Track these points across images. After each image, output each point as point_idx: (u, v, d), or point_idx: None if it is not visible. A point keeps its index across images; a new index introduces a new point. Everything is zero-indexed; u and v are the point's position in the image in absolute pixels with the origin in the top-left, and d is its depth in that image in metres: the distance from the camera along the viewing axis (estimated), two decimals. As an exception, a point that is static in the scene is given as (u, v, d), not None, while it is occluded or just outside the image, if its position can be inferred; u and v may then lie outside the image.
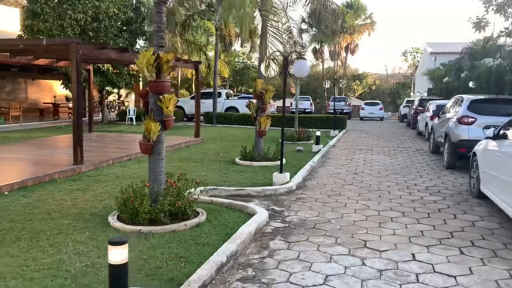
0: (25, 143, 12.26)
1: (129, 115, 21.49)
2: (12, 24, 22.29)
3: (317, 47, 46.73)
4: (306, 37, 17.90)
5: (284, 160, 10.02)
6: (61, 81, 21.14)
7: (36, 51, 11.03)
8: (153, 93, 5.19)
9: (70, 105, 25.43)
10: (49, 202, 6.10)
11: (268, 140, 14.81)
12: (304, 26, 16.69)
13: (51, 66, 16.23)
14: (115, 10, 20.11)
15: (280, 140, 13.43)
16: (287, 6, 10.58)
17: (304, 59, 7.25)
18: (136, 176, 8.04)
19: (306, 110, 30.65)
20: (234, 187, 7.25)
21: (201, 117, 23.17)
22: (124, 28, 20.95)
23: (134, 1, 21.18)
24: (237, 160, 10.02)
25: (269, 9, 8.77)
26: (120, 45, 20.02)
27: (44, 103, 24.31)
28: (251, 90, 39.69)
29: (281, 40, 8.55)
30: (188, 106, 23.93)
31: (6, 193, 6.52)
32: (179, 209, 5.17)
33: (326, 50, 43.93)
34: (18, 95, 24.11)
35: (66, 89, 21.27)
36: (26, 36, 18.82)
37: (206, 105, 22.57)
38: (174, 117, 5.36)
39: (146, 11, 21.75)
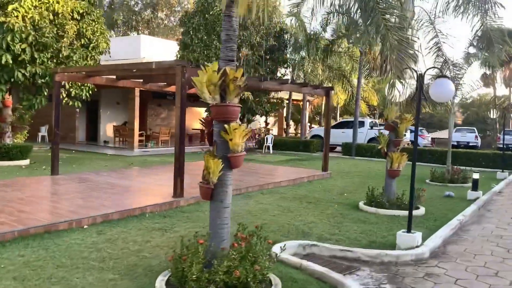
0: (153, 168, 12.39)
1: (266, 143, 21.02)
2: (172, 56, 24.24)
3: (488, 72, 40.74)
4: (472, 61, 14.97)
5: (423, 209, 7.84)
6: (205, 108, 21.85)
7: (159, 77, 11.05)
8: (217, 121, 3.97)
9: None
10: (116, 244, 5.31)
11: (408, 179, 12.38)
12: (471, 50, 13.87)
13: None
14: (257, 38, 20.12)
15: (427, 181, 10.99)
16: (434, 18, 8.48)
17: (447, 77, 5.20)
18: (236, 216, 6.92)
19: (470, 144, 26.22)
20: (341, 246, 5.51)
21: (339, 148, 21.57)
22: (268, 56, 20.78)
23: (278, 29, 20.91)
24: (360, 204, 8.15)
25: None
26: (262, 73, 19.87)
27: (192, 129, 25.66)
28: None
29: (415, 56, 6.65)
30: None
31: (85, 227, 6.02)
32: (238, 280, 3.76)
33: (498, 76, 38.04)
34: (172, 121, 25.95)
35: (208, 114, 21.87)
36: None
37: (348, 135, 20.78)
38: (244, 153, 4.02)
39: (289, 38, 21.31)
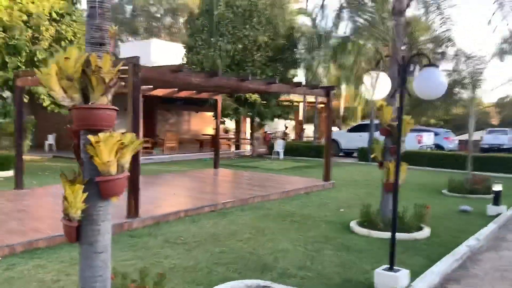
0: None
1: (275, 148, 19.78)
2: (179, 59, 23.44)
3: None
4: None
5: (427, 231, 6.45)
6: (213, 113, 20.86)
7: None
8: (82, 131, 2.83)
9: (229, 136, 25.44)
10: (20, 283, 4.27)
11: (423, 189, 10.93)
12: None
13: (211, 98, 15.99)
14: (264, 39, 18.97)
15: (444, 191, 9.70)
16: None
17: (435, 65, 3.90)
18: (193, 240, 5.79)
19: (503, 147, 24.08)
20: (301, 288, 4.27)
21: (355, 154, 20.05)
22: (278, 57, 19.56)
23: (287, 28, 19.69)
24: (352, 224, 6.84)
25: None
26: (270, 74, 18.71)
27: (203, 134, 24.74)
28: (432, 121, 34.16)
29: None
30: (344, 139, 21.03)
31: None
32: None
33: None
34: (181, 127, 25.14)
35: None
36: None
37: (364, 139, 19.26)
38: (124, 175, 2.85)
39: (299, 37, 20.03)
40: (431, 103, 21.34)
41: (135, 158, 6.22)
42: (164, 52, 24.49)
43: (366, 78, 4.36)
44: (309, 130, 30.26)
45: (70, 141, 2.95)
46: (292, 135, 30.83)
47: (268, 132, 28.68)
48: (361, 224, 6.73)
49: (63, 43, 11.30)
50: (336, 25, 17.64)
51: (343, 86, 25.69)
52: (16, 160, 9.08)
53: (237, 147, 23.51)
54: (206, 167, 14.17)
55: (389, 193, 6.72)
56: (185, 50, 20.07)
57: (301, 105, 25.84)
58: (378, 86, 4.34)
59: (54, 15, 11.07)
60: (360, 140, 19.65)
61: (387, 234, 6.23)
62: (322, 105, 28.85)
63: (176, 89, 11.42)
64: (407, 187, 11.39)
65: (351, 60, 19.43)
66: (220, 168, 13.58)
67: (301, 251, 5.57)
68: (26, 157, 17.92)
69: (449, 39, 7.26)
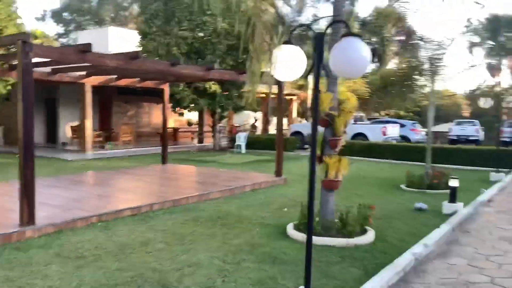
0: (74, 176, 10.25)
1: (238, 141, 18.84)
2: (133, 46, 22.17)
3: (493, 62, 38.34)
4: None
5: (371, 234, 5.65)
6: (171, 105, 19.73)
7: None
8: None
9: (190, 129, 24.34)
10: None
11: (381, 184, 10.22)
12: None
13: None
14: (223, 25, 17.92)
15: (403, 187, 9.20)
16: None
17: (357, 35, 3.00)
18: (94, 256, 4.81)
19: (470, 138, 23.82)
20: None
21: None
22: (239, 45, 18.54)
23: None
24: (288, 228, 5.98)
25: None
26: (231, 64, 17.72)
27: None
28: (402, 112, 33.74)
29: None
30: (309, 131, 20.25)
31: None
32: None
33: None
34: (141, 120, 23.92)
35: (174, 112, 19.79)
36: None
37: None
38: None
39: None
40: (397, 95, 20.73)
41: (26, 153, 5.22)
42: (123, 40, 23.17)
43: (276, 54, 3.47)
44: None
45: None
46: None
47: (236, 125, 27.73)
48: (298, 227, 5.88)
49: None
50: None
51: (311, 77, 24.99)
52: None
53: (200, 141, 22.48)
54: (155, 163, 13.13)
55: (329, 191, 5.90)
56: (140, 36, 18.83)
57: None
58: (288, 63, 3.44)
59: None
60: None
61: (325, 240, 5.45)
62: (293, 97, 28.07)
63: (114, 76, 10.34)
64: (365, 182, 10.67)
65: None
66: (169, 164, 12.57)
67: (216, 264, 4.67)
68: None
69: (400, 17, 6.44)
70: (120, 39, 24.06)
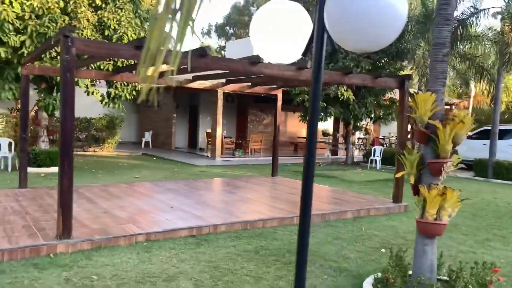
0: (177, 184, 9.92)
1: (373, 156, 16.71)
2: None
3: None
4: None
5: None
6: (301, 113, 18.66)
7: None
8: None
9: (325, 140, 22.86)
10: None
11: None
12: None
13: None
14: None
15: None
16: None
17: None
18: None
19: None
20: None
21: (468, 165, 15.80)
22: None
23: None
24: (366, 284, 4.25)
25: None
26: (367, 68, 15.85)
27: (298, 137, 22.69)
28: None
29: None
30: (463, 148, 16.85)
31: None
32: None
33: None
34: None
35: (304, 122, 18.61)
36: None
37: (484, 148, 15.06)
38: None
39: (408, 23, 16.54)
40: None
41: (63, 160, 4.71)
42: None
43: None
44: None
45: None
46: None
47: (380, 137, 25.24)
48: (376, 285, 4.11)
49: (106, 32, 10.49)
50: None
51: (473, 83, 21.15)
52: (21, 157, 8.30)
53: (334, 153, 20.90)
54: (269, 175, 12.17)
55: (427, 238, 3.98)
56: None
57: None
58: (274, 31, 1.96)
59: (97, 1, 10.35)
60: (484, 149, 15.41)
61: (410, 314, 3.61)
62: (447, 107, 24.30)
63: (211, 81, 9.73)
64: (483, 220, 7.78)
65: (474, 47, 15.41)
66: (279, 176, 11.46)
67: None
68: (112, 153, 18.27)
69: None
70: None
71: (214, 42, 54.72)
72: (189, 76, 9.60)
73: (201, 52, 5.67)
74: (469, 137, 17.17)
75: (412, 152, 4.00)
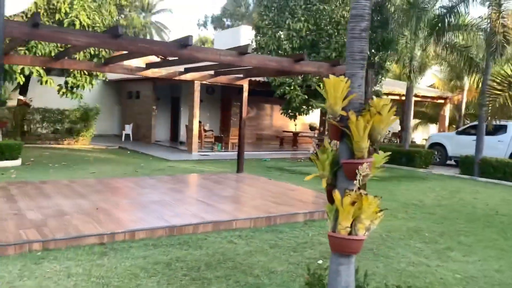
0: (119, 181, 9.19)
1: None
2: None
3: None
4: None
5: None
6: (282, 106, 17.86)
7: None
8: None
9: (310, 135, 22.06)
10: None
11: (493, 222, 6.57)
12: None
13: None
14: (344, 13, 15.33)
15: None
16: None
17: None
18: None
19: None
20: None
21: (454, 162, 15.00)
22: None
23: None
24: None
25: None
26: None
27: (283, 131, 21.91)
28: None
29: None
30: (453, 144, 16.03)
31: None
32: None
33: None
34: (262, 122, 22.65)
35: (285, 115, 17.83)
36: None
37: (474, 145, 14.19)
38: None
39: (394, 11, 15.62)
40: None
41: None
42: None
43: None
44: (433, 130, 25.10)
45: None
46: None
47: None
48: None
49: (57, 16, 9.70)
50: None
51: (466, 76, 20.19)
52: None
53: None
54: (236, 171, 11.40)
55: (342, 257, 3.20)
56: (254, 32, 17.47)
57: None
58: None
59: (47, -16, 9.59)
60: (473, 145, 14.52)
61: None
62: (441, 101, 23.38)
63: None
64: (493, 220, 6.93)
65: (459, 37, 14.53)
66: (246, 173, 10.68)
67: None
68: (87, 146, 17.53)
69: None
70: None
71: (210, 33, 53.72)
72: (142, 63, 8.83)
73: (114, 32, 4.89)
74: (458, 133, 16.33)
75: (326, 151, 3.22)
